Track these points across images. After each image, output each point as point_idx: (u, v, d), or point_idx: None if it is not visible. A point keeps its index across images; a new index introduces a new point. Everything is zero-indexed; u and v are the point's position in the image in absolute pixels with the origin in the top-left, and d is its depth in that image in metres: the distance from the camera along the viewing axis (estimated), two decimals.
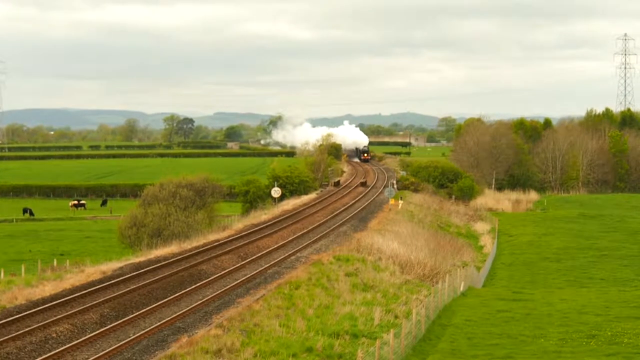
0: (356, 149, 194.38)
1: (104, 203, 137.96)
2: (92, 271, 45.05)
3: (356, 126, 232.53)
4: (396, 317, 36.95)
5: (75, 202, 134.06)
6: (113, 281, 41.59)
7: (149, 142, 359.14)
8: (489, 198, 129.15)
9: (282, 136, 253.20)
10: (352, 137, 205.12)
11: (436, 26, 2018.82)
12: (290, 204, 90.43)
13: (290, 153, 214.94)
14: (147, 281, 41.82)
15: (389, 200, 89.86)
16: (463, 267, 57.29)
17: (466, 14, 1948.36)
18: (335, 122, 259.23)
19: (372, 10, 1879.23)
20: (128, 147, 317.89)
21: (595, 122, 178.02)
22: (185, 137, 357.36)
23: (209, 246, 55.76)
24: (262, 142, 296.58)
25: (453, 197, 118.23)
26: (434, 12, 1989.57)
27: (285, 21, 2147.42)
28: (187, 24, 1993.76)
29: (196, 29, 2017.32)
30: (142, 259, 50.56)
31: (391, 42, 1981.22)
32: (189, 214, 78.14)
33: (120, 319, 34.06)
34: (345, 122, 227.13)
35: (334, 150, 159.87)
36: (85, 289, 39.39)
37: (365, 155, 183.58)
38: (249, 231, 65.04)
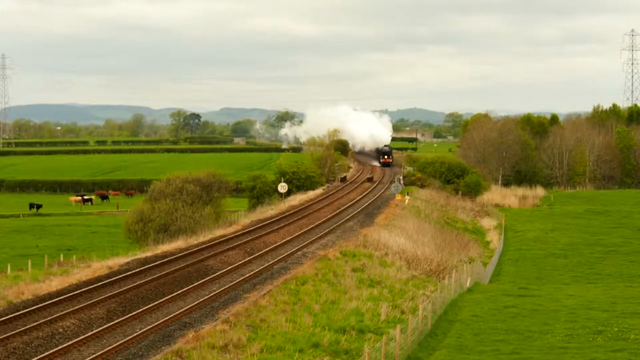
0: (377, 149, 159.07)
1: (105, 197, 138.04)
2: (99, 266, 45.15)
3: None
4: (403, 312, 36.99)
5: (79, 197, 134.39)
6: (120, 276, 41.66)
7: (156, 137, 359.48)
8: (495, 194, 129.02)
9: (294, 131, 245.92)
10: (369, 131, 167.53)
11: (440, 22, 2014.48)
12: (297, 199, 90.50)
13: (297, 148, 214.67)
14: (154, 276, 41.88)
15: (395, 196, 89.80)
16: (469, 262, 57.29)
17: (470, 10, 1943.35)
18: None
19: (375, 6, 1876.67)
20: (135, 142, 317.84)
21: (602, 117, 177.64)
22: (191, 133, 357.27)
23: (215, 241, 55.82)
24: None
25: (460, 192, 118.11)
26: (437, 8, 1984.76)
27: (288, 16, 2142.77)
28: (192, 20, 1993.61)
29: (201, 25, 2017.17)
30: (148, 254, 50.64)
31: (395, 38, 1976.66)
32: (195, 210, 78.20)
33: (127, 314, 34.10)
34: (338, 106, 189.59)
35: (340, 146, 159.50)
36: (92, 284, 39.45)
37: (386, 157, 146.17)
38: (256, 226, 65.09)
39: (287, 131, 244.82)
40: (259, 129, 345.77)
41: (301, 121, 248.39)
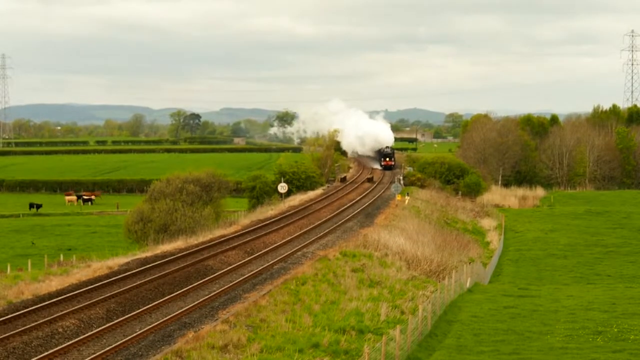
0: (379, 150, 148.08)
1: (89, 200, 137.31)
2: (99, 266, 45.17)
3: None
4: (402, 313, 36.97)
5: (73, 196, 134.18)
6: (119, 276, 41.66)
7: (156, 137, 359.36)
8: (495, 194, 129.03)
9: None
10: (370, 132, 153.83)
11: (440, 22, 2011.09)
12: (297, 199, 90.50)
13: (296, 149, 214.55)
14: (154, 276, 41.88)
15: (395, 196, 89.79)
16: (469, 263, 57.30)
17: (470, 10, 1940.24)
18: None
19: (375, 6, 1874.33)
20: (135, 142, 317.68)
21: (602, 118, 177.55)
22: (191, 133, 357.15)
23: (215, 241, 55.83)
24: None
25: (459, 193, 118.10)
26: (437, 8, 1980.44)
27: (288, 16, 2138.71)
28: (192, 19, 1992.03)
29: (201, 24, 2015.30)
30: (148, 254, 50.66)
31: (395, 38, 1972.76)
32: (195, 210, 78.18)
33: (127, 314, 34.10)
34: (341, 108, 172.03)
35: (340, 146, 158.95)
36: (92, 284, 39.46)
37: (388, 160, 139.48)
38: (256, 227, 65.09)
39: (276, 130, 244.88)
40: (242, 127, 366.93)
41: (289, 119, 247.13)
